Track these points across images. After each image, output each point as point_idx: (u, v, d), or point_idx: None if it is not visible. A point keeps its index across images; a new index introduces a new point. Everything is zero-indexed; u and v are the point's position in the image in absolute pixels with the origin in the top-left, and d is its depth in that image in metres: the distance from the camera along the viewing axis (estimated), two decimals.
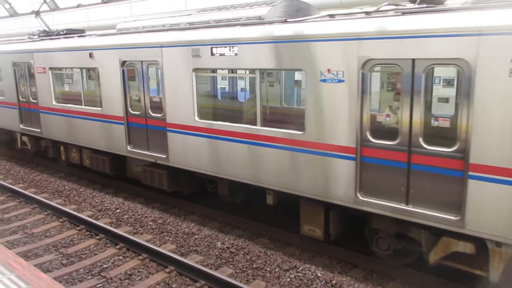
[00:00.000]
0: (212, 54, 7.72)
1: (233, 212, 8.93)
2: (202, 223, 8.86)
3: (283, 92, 9.60)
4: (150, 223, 8.86)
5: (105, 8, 18.89)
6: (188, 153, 8.48)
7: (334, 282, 6.41)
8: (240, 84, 11.35)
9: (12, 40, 14.26)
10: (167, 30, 8.86)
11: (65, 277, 6.83)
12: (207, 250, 7.59)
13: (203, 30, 8.06)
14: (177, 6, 15.51)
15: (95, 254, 7.61)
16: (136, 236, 8.17)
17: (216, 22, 8.15)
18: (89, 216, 9.12)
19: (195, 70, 8.07)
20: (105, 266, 7.16)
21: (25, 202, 10.28)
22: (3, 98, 13.59)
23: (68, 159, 12.18)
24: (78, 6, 20.85)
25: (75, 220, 8.91)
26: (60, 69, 11.52)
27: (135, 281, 6.69)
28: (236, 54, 7.39)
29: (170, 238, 8.14)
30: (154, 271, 6.95)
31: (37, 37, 13.05)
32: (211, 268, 6.87)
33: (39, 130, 12.37)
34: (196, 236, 8.13)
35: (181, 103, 8.40)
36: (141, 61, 9.10)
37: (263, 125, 7.36)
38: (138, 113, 9.46)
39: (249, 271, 6.87)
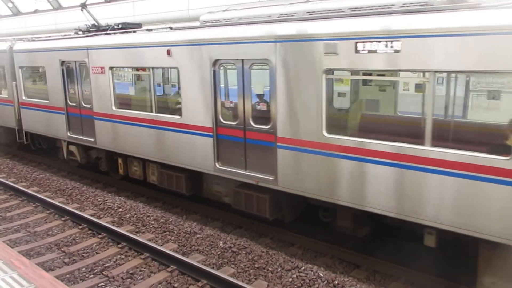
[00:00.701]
0: (357, 51, 6.02)
1: (235, 212, 8.93)
2: (204, 223, 8.85)
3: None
4: (152, 222, 8.86)
5: (108, 7, 18.94)
6: (308, 176, 6.84)
7: (336, 282, 6.39)
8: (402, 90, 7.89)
9: (58, 36, 13.22)
10: (280, 21, 7.19)
11: (67, 275, 6.84)
12: (209, 250, 7.59)
13: (340, 21, 6.35)
14: (180, 5, 15.52)
15: (97, 253, 7.61)
16: (138, 235, 8.18)
17: (352, 10, 6.52)
18: (91, 215, 9.13)
19: (327, 71, 6.37)
20: (107, 265, 7.17)
21: (28, 200, 10.30)
22: (47, 102, 11.96)
23: (128, 174, 10.61)
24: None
25: (77, 219, 8.92)
26: (124, 69, 10.14)
27: (137, 280, 6.69)
28: (397, 51, 5.72)
29: (172, 238, 8.15)
30: (156, 270, 6.95)
31: (82, 32, 11.73)
32: (213, 268, 6.86)
33: (92, 139, 10.72)
34: (198, 236, 8.12)
35: (302, 113, 6.72)
36: (242, 60, 7.41)
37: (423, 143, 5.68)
38: (232, 123, 7.77)
39: (251, 270, 6.86)
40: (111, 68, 9.91)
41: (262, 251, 7.43)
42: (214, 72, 7.86)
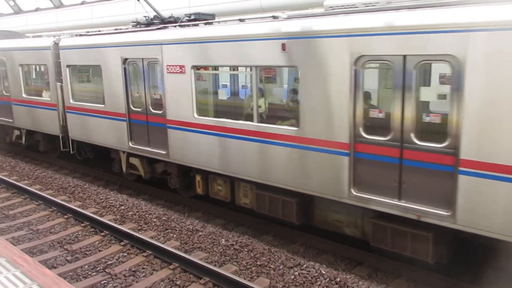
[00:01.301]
0: None
1: (237, 210, 8.93)
2: (206, 220, 8.86)
3: None
4: (155, 220, 8.88)
5: (109, 5, 18.91)
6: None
7: (338, 279, 6.40)
8: None
9: (115, 30, 11.46)
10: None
11: (70, 273, 6.86)
12: (211, 247, 7.60)
13: None
14: (180, 2, 15.48)
15: (99, 251, 7.63)
16: (140, 233, 8.19)
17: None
18: (93, 213, 9.14)
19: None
20: (109, 262, 7.19)
21: (30, 198, 10.32)
22: (102, 106, 10.39)
23: (208, 193, 8.94)
24: (83, 3, 20.88)
25: (79, 217, 8.94)
26: (215, 67, 8.51)
27: (140, 277, 6.71)
28: None
29: (174, 235, 8.16)
30: (158, 268, 6.97)
31: (143, 26, 10.17)
32: (215, 265, 6.87)
33: (163, 152, 9.02)
34: (200, 233, 8.13)
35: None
36: (403, 56, 5.62)
37: None
38: (382, 139, 6.00)
39: (253, 268, 6.87)
40: (194, 67, 8.22)
41: (264, 249, 7.43)
42: (356, 72, 6.07)
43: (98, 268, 6.99)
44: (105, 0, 19.23)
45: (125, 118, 9.81)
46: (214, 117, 8.36)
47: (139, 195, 10.57)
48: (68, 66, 11.30)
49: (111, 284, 6.52)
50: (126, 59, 9.52)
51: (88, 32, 11.93)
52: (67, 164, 13.08)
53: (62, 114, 11.83)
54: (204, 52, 8.00)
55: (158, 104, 9.13)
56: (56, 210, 9.49)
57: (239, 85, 9.44)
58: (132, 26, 10.54)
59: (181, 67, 8.37)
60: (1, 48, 13.74)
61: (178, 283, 6.49)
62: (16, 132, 14.17)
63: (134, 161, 10.19)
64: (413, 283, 6.37)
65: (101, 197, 10.33)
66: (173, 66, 8.52)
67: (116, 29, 11.11)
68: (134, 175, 10.62)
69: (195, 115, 8.34)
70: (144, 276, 6.74)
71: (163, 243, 7.62)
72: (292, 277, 6.53)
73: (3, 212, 9.55)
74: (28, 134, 13.61)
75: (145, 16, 10.27)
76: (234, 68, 8.68)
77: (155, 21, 9.98)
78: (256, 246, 7.55)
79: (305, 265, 6.82)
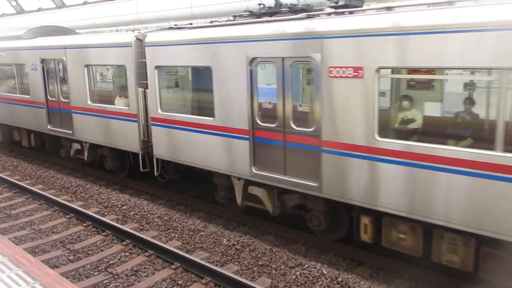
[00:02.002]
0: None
1: (239, 210, 8.93)
2: (208, 220, 8.88)
3: None
4: (156, 219, 8.89)
5: (111, 5, 18.94)
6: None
7: (339, 279, 6.40)
8: None
9: (234, 20, 8.48)
10: None
11: (72, 273, 6.88)
12: (213, 247, 7.61)
13: None
14: (183, 3, 15.51)
15: (101, 250, 7.65)
16: (142, 232, 8.21)
17: None
18: (95, 213, 9.16)
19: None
20: (111, 262, 7.20)
21: (32, 198, 10.35)
22: (211, 120, 8.17)
23: (378, 240, 6.60)
24: (85, 3, 20.92)
25: (81, 217, 8.96)
26: (417, 70, 6.12)
27: (141, 277, 6.72)
28: None
29: (176, 235, 8.17)
30: (160, 268, 6.98)
31: (254, 17, 8.07)
32: (216, 265, 6.88)
33: (314, 184, 6.81)
34: (202, 233, 8.15)
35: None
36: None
37: None
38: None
39: (255, 268, 6.88)
40: (381, 69, 5.95)
41: (265, 249, 7.44)
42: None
43: (100, 268, 7.01)
44: (107, 0, 19.27)
45: (247, 137, 7.57)
46: (414, 141, 5.98)
47: (141, 195, 10.59)
48: (157, 67, 9.01)
49: (113, 284, 6.53)
50: (254, 58, 7.30)
51: (191, 23, 9.51)
52: (69, 164, 13.11)
53: (144, 126, 9.55)
54: (404, 48, 5.67)
55: (304, 118, 7.14)
56: (58, 210, 9.51)
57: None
58: (240, 17, 8.35)
59: (357, 69, 6.12)
60: (60, 45, 11.37)
61: (179, 282, 6.50)
62: (76, 146, 11.81)
63: (257, 191, 7.84)
64: (414, 282, 6.37)
65: (103, 197, 10.35)
66: (342, 68, 6.26)
67: (234, 18, 8.51)
68: (251, 208, 8.28)
69: (377, 136, 6.05)
70: (146, 276, 6.75)
71: (165, 243, 7.64)
72: (294, 277, 6.54)
73: (5, 211, 9.58)
74: (91, 148, 11.35)
75: (260, 4, 8.26)
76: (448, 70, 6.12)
77: (282, 9, 7.90)
78: (257, 246, 7.56)
79: (306, 265, 6.83)
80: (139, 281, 6.58)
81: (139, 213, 9.29)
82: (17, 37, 13.20)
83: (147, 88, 9.32)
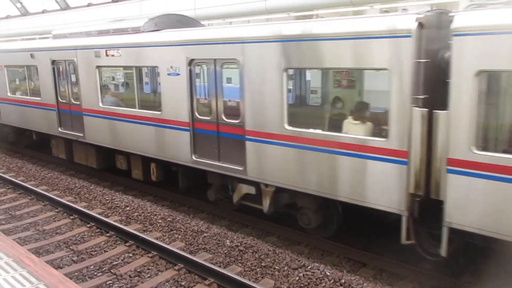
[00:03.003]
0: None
1: (242, 211, 8.94)
2: (211, 221, 8.88)
3: None
4: (160, 221, 8.91)
5: (115, 7, 19.03)
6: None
7: (343, 281, 6.39)
8: None
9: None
10: None
11: (76, 273, 6.90)
12: (216, 248, 7.61)
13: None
14: (186, 5, 15.56)
15: (105, 251, 7.67)
16: (145, 233, 8.22)
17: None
18: (99, 214, 9.19)
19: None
20: (115, 263, 7.22)
21: (37, 199, 10.39)
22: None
23: None
24: (89, 5, 21.01)
25: (85, 218, 8.99)
26: None
27: (145, 278, 6.74)
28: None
29: (179, 236, 8.18)
30: (163, 269, 6.99)
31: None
32: (220, 266, 6.89)
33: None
34: (205, 234, 8.15)
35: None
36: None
37: None
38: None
39: (258, 269, 6.88)
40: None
41: (268, 250, 7.44)
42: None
43: (104, 269, 7.03)
44: (111, 2, 19.35)
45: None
46: None
47: (145, 196, 10.62)
48: (483, 73, 5.23)
49: (116, 285, 6.55)
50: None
51: None
52: (73, 165, 13.16)
53: (420, 173, 5.78)
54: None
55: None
56: (62, 211, 9.55)
57: None
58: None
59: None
60: (237, 38, 7.69)
61: (183, 283, 6.51)
62: (245, 189, 8.10)
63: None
64: (418, 284, 6.35)
65: (107, 198, 10.38)
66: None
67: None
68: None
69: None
70: (149, 277, 6.77)
71: (168, 244, 7.65)
72: (297, 278, 6.53)
73: (10, 212, 9.62)
74: (278, 194, 7.73)
75: None
76: None
77: None
78: (260, 247, 7.56)
79: (309, 267, 6.82)
80: (142, 282, 6.60)
81: (143, 214, 9.31)
82: (134, 30, 9.72)
83: (436, 108, 5.56)
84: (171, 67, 8.62)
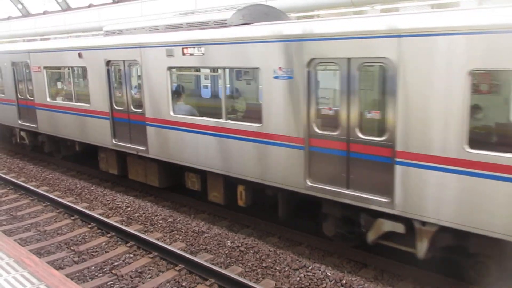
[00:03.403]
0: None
1: (243, 211, 8.94)
2: (212, 222, 8.89)
3: None
4: (161, 221, 8.91)
5: (116, 8, 19.03)
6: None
7: (344, 281, 6.39)
8: None
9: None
10: None
11: (77, 274, 6.91)
12: (216, 249, 7.62)
13: None
14: (187, 6, 15.56)
15: (106, 252, 7.68)
16: (146, 234, 8.23)
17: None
18: (100, 214, 9.20)
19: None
20: (116, 263, 7.23)
21: (38, 200, 10.40)
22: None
23: None
24: (90, 6, 21.02)
25: (86, 218, 9.00)
26: None
27: (146, 278, 6.74)
28: None
29: (180, 237, 8.19)
30: (164, 269, 7.00)
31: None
32: (220, 267, 6.89)
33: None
34: (206, 235, 8.16)
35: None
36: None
37: None
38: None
39: (259, 270, 6.88)
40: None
41: (269, 250, 7.44)
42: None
43: (105, 269, 7.04)
44: (112, 3, 19.37)
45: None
46: None
47: (145, 196, 10.62)
48: None
49: (117, 285, 6.56)
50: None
51: None
52: (74, 166, 13.17)
53: None
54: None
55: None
56: (63, 212, 9.56)
57: None
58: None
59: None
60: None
61: (184, 284, 6.51)
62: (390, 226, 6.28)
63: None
64: (419, 285, 6.35)
65: (108, 199, 10.39)
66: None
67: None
68: None
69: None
70: (150, 277, 6.77)
71: (169, 245, 7.65)
72: (298, 279, 6.53)
73: (11, 213, 9.64)
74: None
75: None
76: None
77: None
78: (261, 248, 7.56)
79: (310, 267, 6.82)
80: (143, 283, 6.60)
81: (144, 214, 9.31)
82: (217, 23, 8.24)
83: None
84: (280, 68, 6.91)
